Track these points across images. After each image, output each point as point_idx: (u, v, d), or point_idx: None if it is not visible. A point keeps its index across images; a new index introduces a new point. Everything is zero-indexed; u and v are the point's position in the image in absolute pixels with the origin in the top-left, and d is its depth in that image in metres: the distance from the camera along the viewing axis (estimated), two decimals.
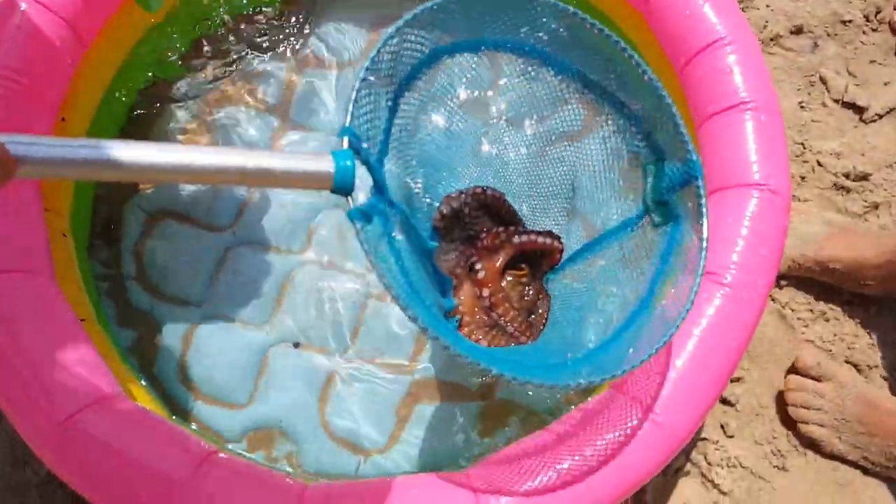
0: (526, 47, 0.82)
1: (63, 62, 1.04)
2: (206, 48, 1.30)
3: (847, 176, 1.34)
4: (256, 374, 1.12)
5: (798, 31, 1.44)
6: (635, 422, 0.83)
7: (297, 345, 1.15)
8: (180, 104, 1.27)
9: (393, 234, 0.71)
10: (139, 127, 1.25)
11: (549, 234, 0.94)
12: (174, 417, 1.06)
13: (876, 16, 1.45)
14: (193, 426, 1.08)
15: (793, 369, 1.20)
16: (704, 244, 0.74)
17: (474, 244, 0.91)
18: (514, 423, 1.11)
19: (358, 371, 1.13)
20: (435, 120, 0.89)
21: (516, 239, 0.91)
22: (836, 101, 1.40)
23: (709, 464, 1.16)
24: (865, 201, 1.33)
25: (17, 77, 0.96)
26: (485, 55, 0.82)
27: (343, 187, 0.62)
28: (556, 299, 0.94)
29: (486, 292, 0.87)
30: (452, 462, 1.08)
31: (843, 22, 1.44)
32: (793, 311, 1.26)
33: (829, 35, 1.44)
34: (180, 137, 1.25)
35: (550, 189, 0.97)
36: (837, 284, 1.24)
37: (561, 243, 0.94)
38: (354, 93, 0.65)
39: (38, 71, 0.98)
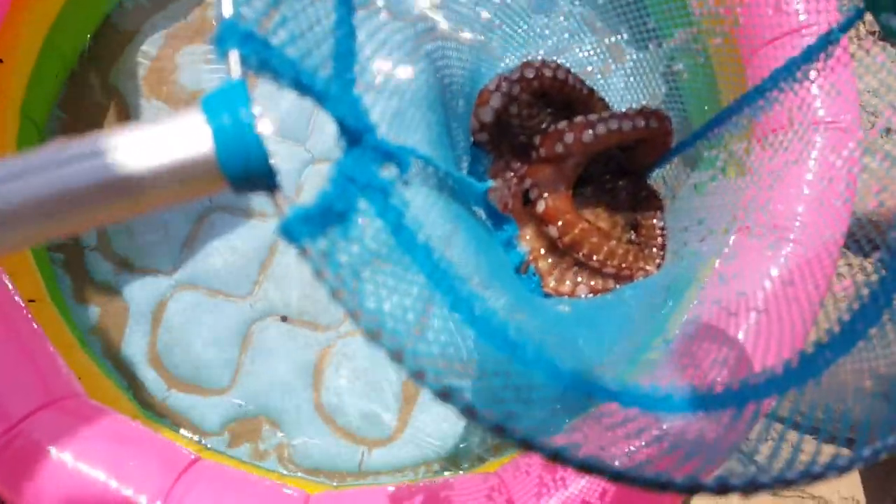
0: None
1: None
2: None
3: None
4: (238, 354, 0.99)
5: None
6: None
7: (284, 318, 1.02)
8: (142, 39, 1.09)
9: (405, 222, 0.37)
10: (94, 68, 1.08)
11: (647, 112, 0.63)
12: (144, 412, 0.93)
13: None
14: (166, 420, 0.95)
15: None
16: None
17: (528, 155, 0.63)
18: None
19: (356, 346, 1.00)
20: None
21: (588, 135, 0.60)
22: None
23: None
24: None
25: None
26: None
27: (244, 173, 0.30)
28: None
29: (554, 230, 0.60)
30: (469, 452, 0.97)
31: None
32: None
33: None
34: (141, 84, 1.08)
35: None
36: None
37: (668, 122, 0.65)
38: None
39: None
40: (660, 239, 0.64)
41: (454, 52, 0.62)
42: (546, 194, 0.61)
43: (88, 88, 1.08)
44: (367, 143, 0.33)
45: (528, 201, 0.62)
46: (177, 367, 0.98)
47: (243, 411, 0.98)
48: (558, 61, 0.65)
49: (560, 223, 0.60)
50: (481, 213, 0.65)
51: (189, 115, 0.29)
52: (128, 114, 1.07)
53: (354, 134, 0.33)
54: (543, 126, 0.64)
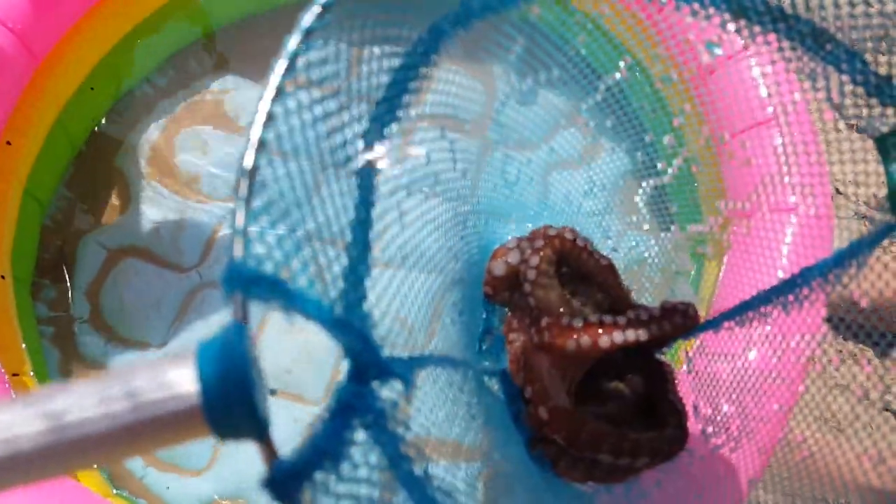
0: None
1: (10, 79, 0.92)
2: (176, 65, 1.19)
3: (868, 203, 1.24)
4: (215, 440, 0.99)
5: None
6: None
7: (273, 392, 1.01)
8: (147, 123, 1.15)
9: (405, 453, 0.36)
10: (100, 150, 1.13)
11: (672, 311, 0.58)
12: (118, 491, 0.92)
13: None
14: (141, 501, 0.94)
15: None
16: None
17: (536, 321, 0.58)
18: None
19: None
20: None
21: (605, 341, 0.55)
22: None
23: None
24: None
25: None
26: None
27: (230, 427, 0.29)
28: None
29: (559, 439, 0.55)
30: None
31: None
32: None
33: None
34: (144, 171, 1.13)
35: None
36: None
37: (695, 314, 0.60)
38: (252, 155, 0.30)
39: None
40: (677, 416, 0.59)
41: (472, 219, 0.64)
42: (547, 404, 0.55)
43: (94, 170, 1.12)
44: (371, 368, 0.34)
45: (527, 402, 0.57)
46: None
47: (219, 492, 0.96)
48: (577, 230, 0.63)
49: (564, 433, 0.55)
50: (495, 384, 0.63)
51: (181, 362, 0.29)
52: (130, 195, 1.11)
53: (359, 358, 0.33)
54: (553, 296, 0.59)
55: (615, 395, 0.59)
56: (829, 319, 1.16)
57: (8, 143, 0.93)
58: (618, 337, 0.55)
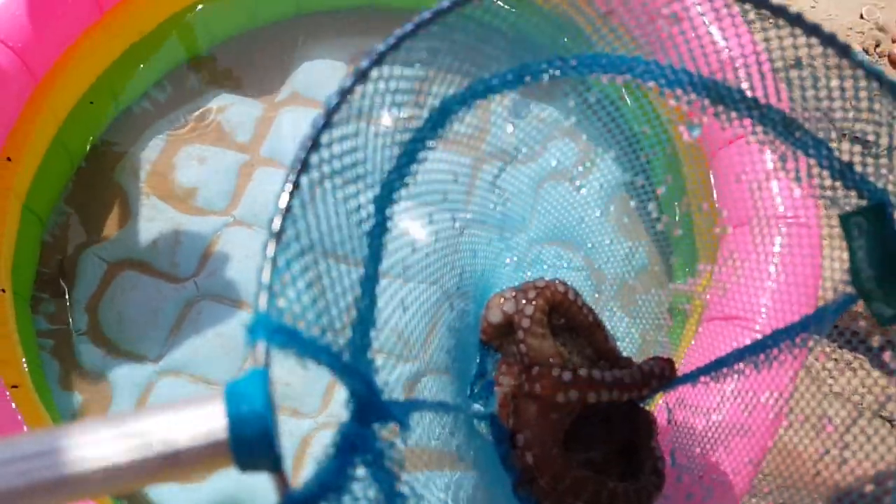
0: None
1: (9, 96, 0.94)
2: (174, 81, 1.22)
3: None
4: None
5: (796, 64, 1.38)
6: None
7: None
8: (146, 139, 1.17)
9: (400, 490, 0.39)
10: (99, 165, 1.15)
11: (656, 371, 0.63)
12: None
13: (875, 49, 1.40)
14: None
15: None
16: None
17: (528, 369, 0.62)
18: None
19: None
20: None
21: (593, 397, 0.59)
22: None
23: None
24: None
25: None
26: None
27: (251, 459, 0.32)
28: None
29: (544, 483, 0.58)
30: None
31: None
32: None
33: None
34: (143, 186, 1.15)
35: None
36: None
37: (673, 368, 0.65)
38: (279, 220, 0.35)
39: None
40: (659, 463, 0.64)
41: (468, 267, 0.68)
42: (533, 449, 0.59)
43: (93, 185, 1.14)
44: (373, 410, 0.37)
45: (514, 446, 0.61)
46: None
47: (219, 501, 0.97)
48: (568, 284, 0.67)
49: (548, 479, 0.58)
50: (483, 428, 0.66)
51: (211, 402, 0.32)
52: (129, 209, 1.13)
53: (363, 401, 0.37)
54: (545, 345, 0.63)
55: (600, 442, 0.63)
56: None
57: (8, 159, 0.95)
58: (604, 394, 0.60)
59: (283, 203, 0.35)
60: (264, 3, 1.22)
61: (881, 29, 1.41)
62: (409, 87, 0.42)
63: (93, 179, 1.14)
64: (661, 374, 0.64)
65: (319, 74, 1.24)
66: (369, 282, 0.41)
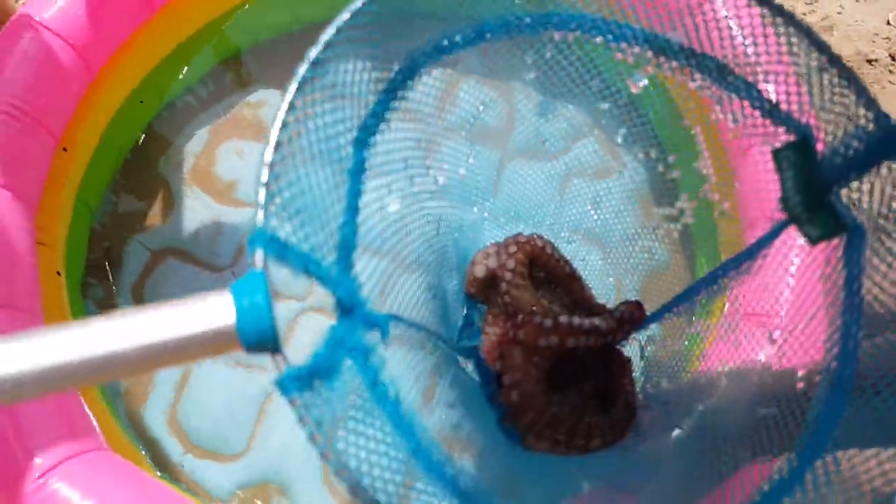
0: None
1: (69, 90, 1.00)
2: (216, 78, 1.27)
3: None
4: (254, 424, 1.05)
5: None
6: None
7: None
8: (189, 133, 1.23)
9: (381, 380, 0.44)
10: (145, 158, 1.21)
11: (629, 315, 0.68)
12: (160, 474, 0.98)
13: None
14: (181, 483, 1.00)
15: None
16: None
17: (513, 316, 0.67)
18: None
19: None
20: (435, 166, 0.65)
21: (572, 342, 0.64)
22: None
23: None
24: None
25: (18, 103, 0.91)
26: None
27: (256, 342, 0.38)
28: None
29: (527, 419, 0.63)
30: None
31: (869, 61, 1.40)
32: None
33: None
34: (185, 178, 1.20)
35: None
36: None
37: (643, 313, 0.70)
38: (271, 152, 0.40)
39: (41, 98, 0.94)
40: (630, 398, 0.68)
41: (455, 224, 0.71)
42: (518, 388, 0.64)
43: (139, 177, 1.20)
44: (357, 315, 0.43)
45: (501, 385, 0.66)
46: (194, 434, 1.04)
47: (254, 478, 1.02)
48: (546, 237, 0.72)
49: (531, 415, 0.63)
50: (469, 365, 0.71)
51: (220, 296, 0.39)
52: (172, 200, 1.19)
53: (348, 307, 0.43)
54: (526, 295, 0.68)
55: (579, 381, 0.69)
56: None
57: (64, 149, 1.01)
58: (582, 339, 0.65)
59: (273, 137, 0.40)
60: (303, 6, 1.27)
61: None
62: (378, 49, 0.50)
63: (139, 171, 1.20)
64: (632, 318, 0.69)
65: None
66: (351, 213, 0.47)
